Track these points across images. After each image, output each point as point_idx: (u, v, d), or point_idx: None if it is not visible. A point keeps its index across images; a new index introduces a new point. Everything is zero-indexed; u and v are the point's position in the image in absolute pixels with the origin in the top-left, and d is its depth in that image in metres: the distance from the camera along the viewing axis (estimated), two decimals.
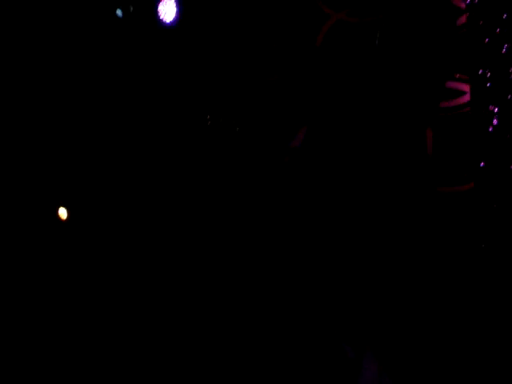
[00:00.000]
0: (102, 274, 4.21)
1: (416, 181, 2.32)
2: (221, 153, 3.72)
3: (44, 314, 4.17)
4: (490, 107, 3.14)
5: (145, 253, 4.17)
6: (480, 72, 3.18)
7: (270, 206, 2.61)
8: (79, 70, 4.36)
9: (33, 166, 4.29)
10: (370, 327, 2.33)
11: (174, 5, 4.37)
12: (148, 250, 4.16)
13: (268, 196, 2.60)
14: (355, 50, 3.22)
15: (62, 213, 4.21)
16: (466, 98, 3.22)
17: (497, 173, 3.08)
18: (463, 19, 3.22)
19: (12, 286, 4.15)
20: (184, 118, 4.38)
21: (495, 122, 3.13)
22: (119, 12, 4.30)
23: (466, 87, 3.21)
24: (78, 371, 4.07)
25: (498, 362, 2.69)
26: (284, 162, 2.46)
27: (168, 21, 4.44)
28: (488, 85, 3.16)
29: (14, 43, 4.26)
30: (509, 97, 3.19)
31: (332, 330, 2.34)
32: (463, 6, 3.19)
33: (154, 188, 4.28)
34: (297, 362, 2.45)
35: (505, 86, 3.17)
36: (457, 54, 3.18)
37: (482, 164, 3.07)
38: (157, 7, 4.41)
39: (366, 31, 3.24)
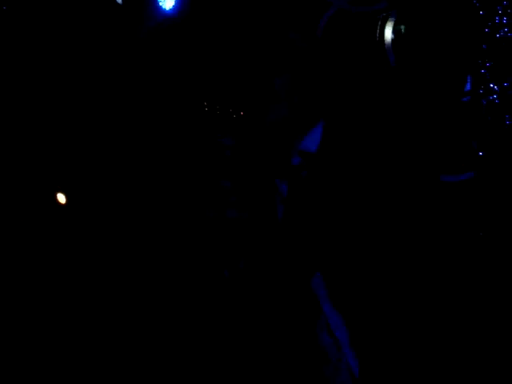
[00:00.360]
0: (100, 259, 4.22)
1: (419, 170, 2.33)
2: (217, 137, 3.73)
3: (42, 298, 4.18)
4: (490, 96, 3.17)
5: (143, 239, 4.18)
6: (480, 61, 3.21)
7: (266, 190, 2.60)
8: (79, 56, 4.36)
9: (32, 154, 4.29)
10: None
11: None
12: (147, 236, 4.18)
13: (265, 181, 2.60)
14: (357, 42, 3.22)
15: (61, 197, 4.23)
16: (467, 86, 3.24)
17: (496, 162, 3.12)
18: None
19: (10, 270, 4.16)
20: (182, 104, 4.39)
21: (494, 110, 3.17)
22: None
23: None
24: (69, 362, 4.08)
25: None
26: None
27: (167, 8, 4.45)
28: (487, 75, 3.19)
29: (13, 27, 4.25)
30: (506, 85, 3.22)
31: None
32: None
33: (152, 172, 4.29)
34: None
35: (504, 75, 3.20)
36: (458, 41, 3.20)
37: (481, 153, 3.11)
38: None
39: (369, 21, 3.25)
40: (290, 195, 2.25)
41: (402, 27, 3.32)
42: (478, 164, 3.14)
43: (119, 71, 4.42)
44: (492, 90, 3.21)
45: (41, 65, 4.36)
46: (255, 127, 2.51)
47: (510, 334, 2.88)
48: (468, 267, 2.74)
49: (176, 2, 4.45)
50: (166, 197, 4.22)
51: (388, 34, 3.32)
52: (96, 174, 4.37)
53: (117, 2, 4.33)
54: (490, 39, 3.25)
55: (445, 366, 2.30)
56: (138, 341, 3.99)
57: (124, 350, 4.00)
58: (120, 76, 4.42)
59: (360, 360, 2.08)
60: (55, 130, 4.36)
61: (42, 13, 4.27)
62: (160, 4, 4.45)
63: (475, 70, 3.22)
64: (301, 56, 2.43)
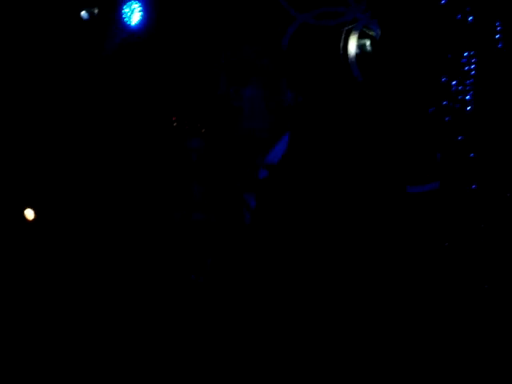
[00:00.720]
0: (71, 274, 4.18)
1: (387, 181, 2.35)
2: (186, 155, 3.71)
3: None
4: (455, 107, 3.22)
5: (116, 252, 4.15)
6: (443, 76, 3.27)
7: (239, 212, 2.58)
8: (42, 71, 4.34)
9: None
10: None
11: (140, 8, 4.38)
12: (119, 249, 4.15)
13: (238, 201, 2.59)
14: (322, 55, 3.25)
15: (29, 213, 4.18)
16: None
17: (460, 171, 3.17)
18: None
19: None
20: (149, 119, 4.38)
21: (458, 121, 3.22)
22: (84, 14, 4.29)
23: None
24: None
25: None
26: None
27: (133, 24, 4.44)
28: (454, 84, 3.24)
29: None
30: (469, 97, 3.27)
31: None
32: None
33: (118, 189, 4.26)
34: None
35: (467, 86, 3.25)
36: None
37: (446, 163, 3.15)
38: (121, 9, 4.42)
39: (333, 35, 3.28)
40: (258, 207, 2.25)
41: (367, 41, 3.37)
42: (442, 174, 3.18)
43: (84, 87, 4.41)
44: (456, 102, 3.26)
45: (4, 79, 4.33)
46: (223, 137, 2.50)
47: (475, 339, 2.91)
48: (434, 277, 2.76)
49: (142, 18, 4.45)
50: (131, 200, 4.19)
51: (352, 47, 3.35)
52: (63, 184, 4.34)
53: (82, 18, 4.31)
54: (454, 52, 3.30)
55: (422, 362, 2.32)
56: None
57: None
58: (85, 91, 4.40)
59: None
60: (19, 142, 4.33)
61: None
62: (125, 19, 4.44)
63: (439, 84, 3.27)
64: (267, 68, 2.43)
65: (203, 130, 3.78)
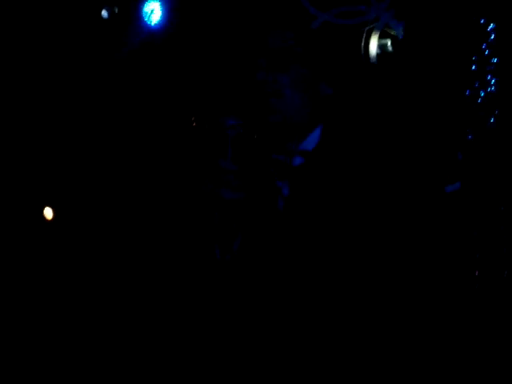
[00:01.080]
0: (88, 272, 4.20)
1: (424, 181, 2.33)
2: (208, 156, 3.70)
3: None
4: (469, 113, 3.22)
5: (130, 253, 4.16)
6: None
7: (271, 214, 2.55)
8: (63, 71, 4.36)
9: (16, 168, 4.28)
10: None
11: (160, 7, 4.39)
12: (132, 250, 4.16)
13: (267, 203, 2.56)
14: (343, 54, 3.24)
15: (48, 212, 4.20)
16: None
17: (480, 172, 3.16)
18: None
19: None
20: (168, 119, 4.39)
21: (480, 122, 3.21)
22: (105, 13, 4.31)
23: None
24: None
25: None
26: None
27: (153, 23, 4.45)
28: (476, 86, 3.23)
29: None
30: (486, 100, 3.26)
31: None
32: None
33: (137, 191, 4.27)
34: None
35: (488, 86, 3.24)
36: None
37: (466, 163, 3.15)
38: (142, 9, 4.43)
39: (354, 34, 3.27)
40: (292, 194, 2.23)
41: (389, 41, 3.36)
42: (464, 174, 3.17)
43: (104, 86, 4.42)
44: (475, 103, 3.25)
45: (16, 81, 4.35)
46: (259, 121, 2.47)
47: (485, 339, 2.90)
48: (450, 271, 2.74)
49: (162, 17, 4.45)
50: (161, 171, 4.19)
51: (373, 47, 3.34)
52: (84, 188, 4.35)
53: (102, 17, 4.33)
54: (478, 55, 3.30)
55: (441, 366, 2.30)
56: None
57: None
58: (105, 91, 4.42)
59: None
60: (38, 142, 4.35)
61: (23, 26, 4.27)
62: (146, 19, 4.45)
63: (460, 85, 3.26)
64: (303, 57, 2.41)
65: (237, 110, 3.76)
